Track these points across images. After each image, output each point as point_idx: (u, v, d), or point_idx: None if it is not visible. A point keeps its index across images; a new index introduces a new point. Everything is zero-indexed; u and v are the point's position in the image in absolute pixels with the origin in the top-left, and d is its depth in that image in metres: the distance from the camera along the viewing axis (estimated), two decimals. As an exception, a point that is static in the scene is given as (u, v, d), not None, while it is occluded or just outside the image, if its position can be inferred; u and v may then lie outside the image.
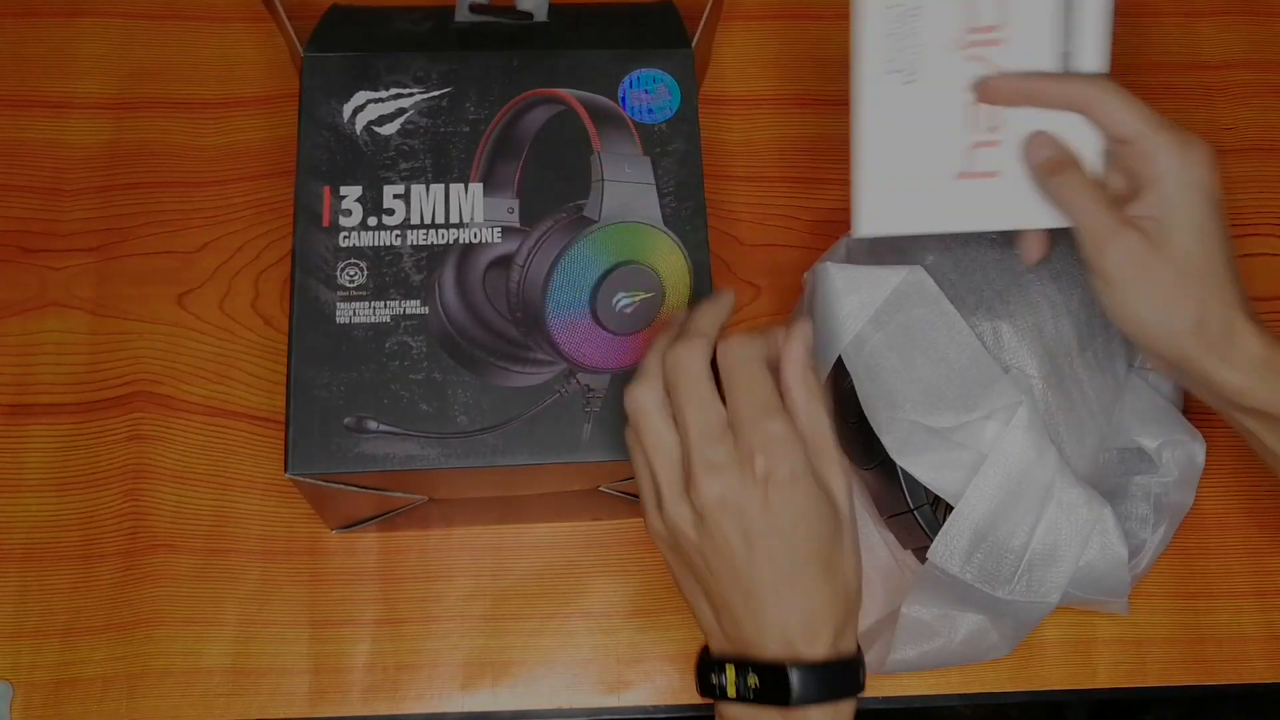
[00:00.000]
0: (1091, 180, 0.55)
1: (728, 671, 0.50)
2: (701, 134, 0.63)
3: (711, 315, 0.52)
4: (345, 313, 0.58)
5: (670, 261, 0.61)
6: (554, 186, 0.61)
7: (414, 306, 0.59)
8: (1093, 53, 0.55)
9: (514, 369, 0.58)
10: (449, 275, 0.59)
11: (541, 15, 0.67)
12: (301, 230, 0.60)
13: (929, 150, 0.55)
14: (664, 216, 0.61)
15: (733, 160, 0.78)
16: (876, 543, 0.70)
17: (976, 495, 0.57)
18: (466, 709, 0.68)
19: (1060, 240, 0.64)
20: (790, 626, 0.49)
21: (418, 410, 0.57)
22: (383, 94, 0.62)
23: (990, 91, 0.55)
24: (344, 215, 0.60)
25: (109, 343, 0.72)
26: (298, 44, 0.64)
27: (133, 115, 0.77)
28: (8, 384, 0.71)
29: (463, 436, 0.57)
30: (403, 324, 0.59)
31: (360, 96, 0.62)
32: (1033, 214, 0.55)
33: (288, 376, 0.57)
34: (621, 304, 0.60)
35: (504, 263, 0.60)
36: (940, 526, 0.58)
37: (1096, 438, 0.65)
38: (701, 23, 0.67)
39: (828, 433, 0.51)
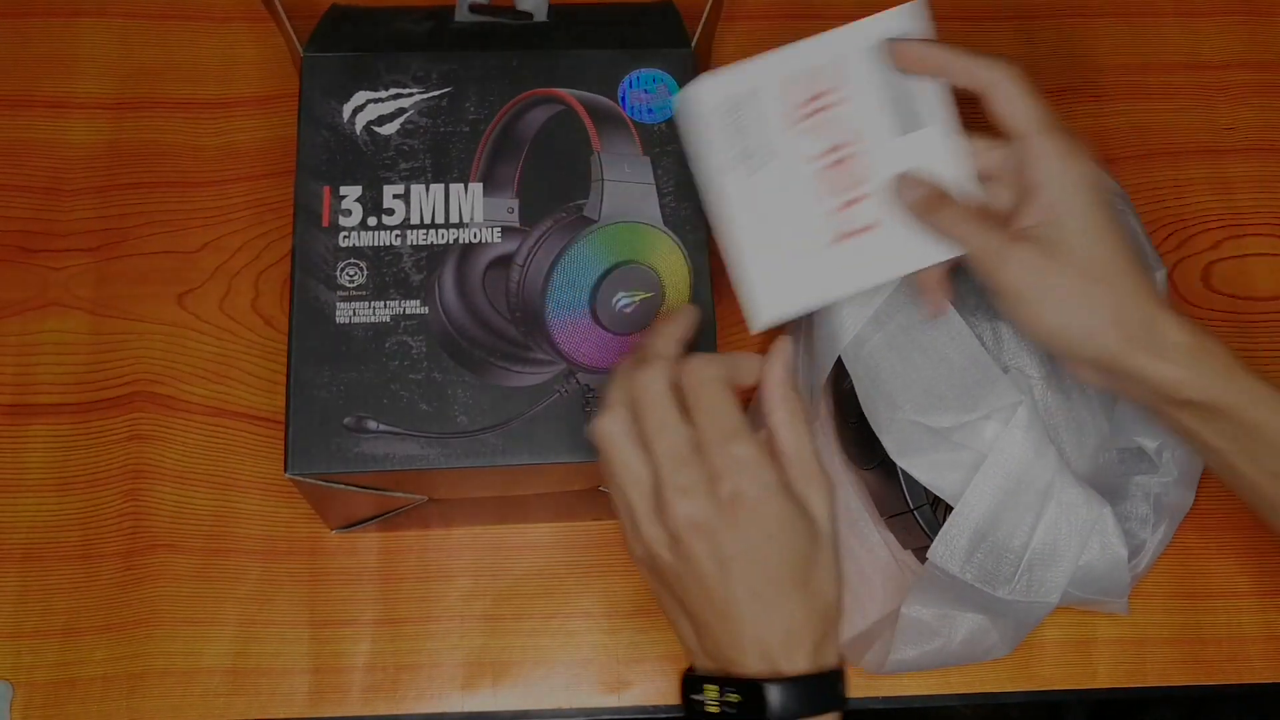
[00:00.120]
0: (970, 207, 0.53)
1: (707, 690, 0.50)
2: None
3: (668, 335, 0.52)
4: (345, 313, 0.58)
5: (670, 261, 0.61)
6: (554, 186, 0.61)
7: (414, 306, 0.59)
8: (929, 94, 0.54)
9: (514, 369, 0.58)
10: (449, 275, 0.59)
11: (541, 15, 0.67)
12: (301, 230, 0.60)
13: (799, 225, 0.54)
14: (664, 216, 0.61)
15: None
16: (876, 543, 0.70)
17: (976, 495, 0.57)
18: (466, 709, 0.68)
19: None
20: (768, 643, 0.49)
21: (418, 410, 0.57)
22: (382, 94, 0.62)
23: (902, 56, 0.54)
24: (344, 215, 0.60)
25: (109, 343, 0.72)
26: (297, 44, 0.64)
27: (133, 115, 0.77)
28: (8, 384, 0.71)
29: (463, 436, 0.57)
30: (403, 324, 0.59)
31: (360, 96, 0.62)
32: (924, 253, 0.54)
33: (287, 376, 0.57)
34: (621, 304, 0.60)
35: (504, 262, 0.60)
36: (940, 526, 0.58)
37: (1096, 438, 0.65)
38: (701, 23, 0.67)
39: (809, 451, 0.52)
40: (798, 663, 0.49)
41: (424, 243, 0.60)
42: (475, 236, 0.60)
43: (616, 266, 0.60)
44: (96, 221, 0.74)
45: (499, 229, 0.60)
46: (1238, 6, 0.84)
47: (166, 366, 0.72)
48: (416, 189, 0.61)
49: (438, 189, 0.61)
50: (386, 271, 0.59)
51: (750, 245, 0.55)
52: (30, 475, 0.70)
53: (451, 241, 0.60)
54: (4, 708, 0.66)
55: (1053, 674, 0.69)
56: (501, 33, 0.65)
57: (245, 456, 0.71)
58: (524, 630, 0.69)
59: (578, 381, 0.58)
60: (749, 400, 0.57)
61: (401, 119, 0.62)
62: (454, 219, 0.60)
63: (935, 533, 0.59)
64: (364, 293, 0.59)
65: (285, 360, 0.58)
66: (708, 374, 0.50)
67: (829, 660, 0.51)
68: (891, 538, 0.69)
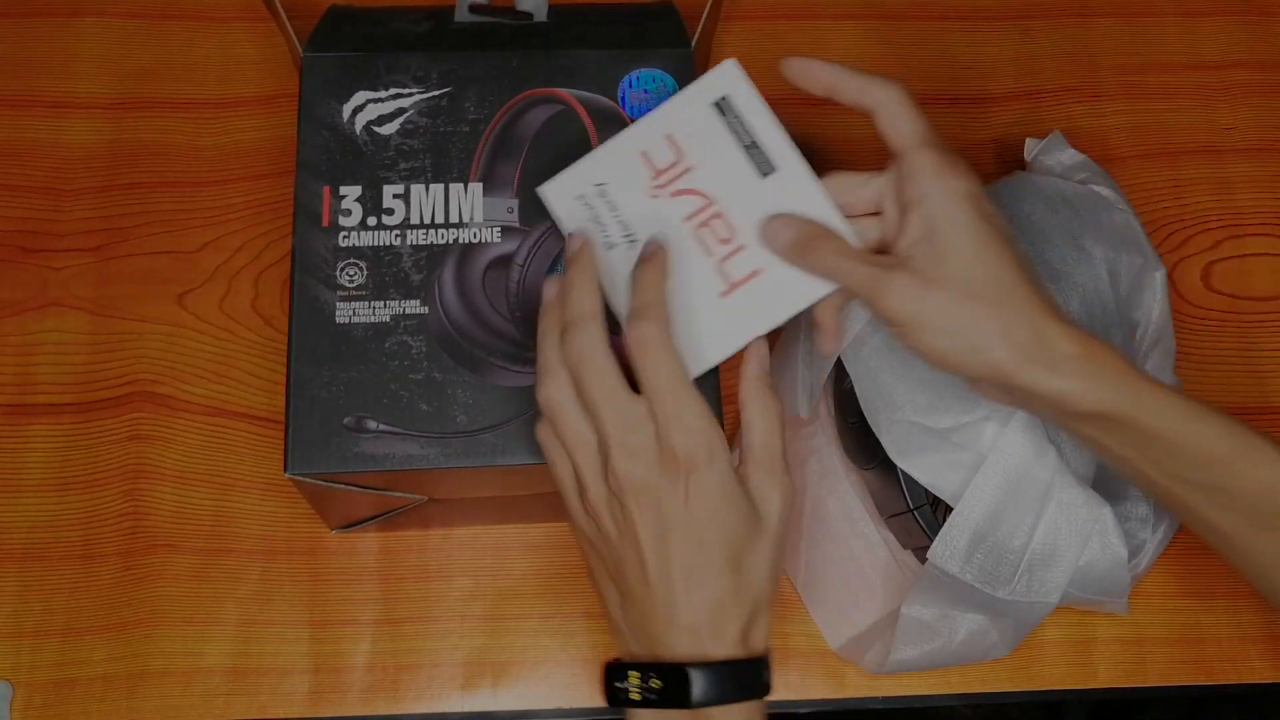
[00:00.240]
0: (842, 242, 0.53)
1: (631, 677, 0.50)
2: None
3: (585, 290, 0.51)
4: (345, 312, 0.58)
5: (670, 261, 0.60)
6: (554, 186, 0.61)
7: (414, 306, 0.59)
8: (774, 140, 0.55)
9: (514, 369, 0.58)
10: (449, 275, 0.59)
11: (541, 15, 0.67)
12: (301, 230, 0.60)
13: (686, 288, 0.55)
14: (664, 216, 0.61)
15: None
16: (876, 543, 0.70)
17: (976, 496, 0.57)
18: (466, 709, 0.68)
19: (1056, 239, 0.64)
20: (697, 620, 0.49)
21: (417, 410, 0.57)
22: (382, 94, 0.62)
23: (797, 73, 0.54)
24: (344, 215, 0.60)
25: (109, 343, 0.72)
26: (297, 44, 0.64)
27: (133, 115, 0.77)
28: (8, 384, 0.71)
29: (463, 436, 0.57)
30: (402, 324, 0.59)
31: (360, 96, 0.62)
32: (810, 289, 0.54)
33: (287, 376, 0.57)
34: (621, 304, 0.60)
35: (504, 262, 0.60)
36: (940, 526, 0.58)
37: (1096, 438, 0.65)
38: (701, 23, 0.67)
39: (778, 450, 0.52)
40: (724, 645, 0.50)
41: (424, 243, 0.60)
42: (475, 236, 0.60)
43: (616, 266, 0.60)
44: (96, 221, 0.74)
45: (499, 229, 0.60)
46: (1238, 6, 0.84)
47: (166, 366, 0.72)
48: (416, 189, 0.61)
49: (437, 189, 0.61)
50: (386, 271, 0.59)
51: None
52: (30, 475, 0.70)
53: (451, 241, 0.60)
54: (4, 708, 0.66)
55: (1053, 674, 0.69)
56: (501, 33, 0.65)
57: (245, 456, 0.71)
58: (524, 630, 0.69)
59: (578, 381, 0.58)
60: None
61: (401, 119, 0.62)
62: (454, 219, 0.60)
63: (935, 533, 0.59)
64: (364, 293, 0.59)
65: (285, 360, 0.58)
66: (651, 330, 0.50)
67: (756, 646, 0.51)
68: (891, 538, 0.69)
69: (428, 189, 0.61)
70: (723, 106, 0.55)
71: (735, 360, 0.54)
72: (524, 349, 0.59)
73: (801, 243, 0.53)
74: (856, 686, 0.69)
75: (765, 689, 0.51)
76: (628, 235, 0.55)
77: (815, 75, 0.54)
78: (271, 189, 0.75)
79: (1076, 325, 0.50)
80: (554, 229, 0.60)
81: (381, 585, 0.69)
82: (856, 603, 0.69)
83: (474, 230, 0.60)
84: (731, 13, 0.80)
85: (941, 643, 0.63)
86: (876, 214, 0.54)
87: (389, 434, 0.57)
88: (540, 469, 0.58)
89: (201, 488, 0.70)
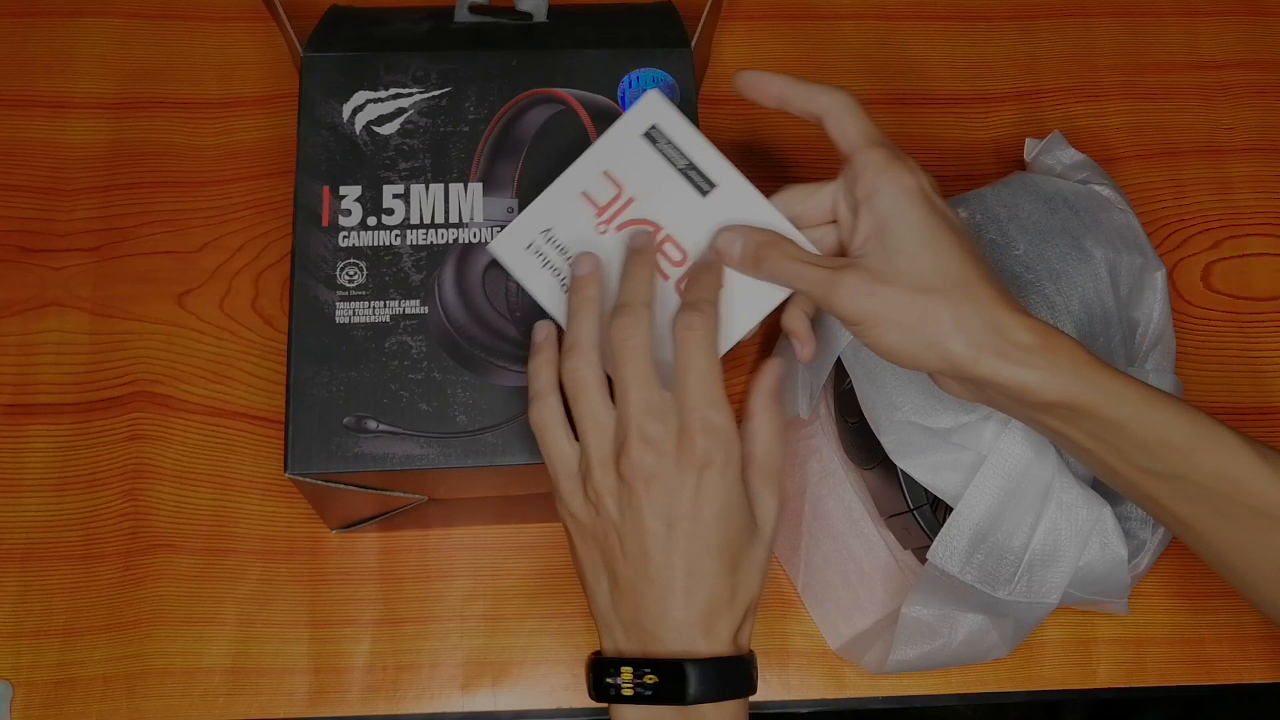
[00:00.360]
0: (793, 246, 0.53)
1: (624, 672, 0.50)
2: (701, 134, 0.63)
3: (641, 277, 0.52)
4: (345, 312, 0.58)
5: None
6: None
7: (413, 306, 0.59)
8: (709, 158, 0.56)
9: (514, 368, 0.58)
10: (448, 275, 0.59)
11: (541, 15, 0.67)
12: (301, 230, 0.60)
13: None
14: (664, 216, 0.61)
15: (732, 160, 0.77)
16: (876, 543, 0.70)
17: (976, 496, 0.57)
18: (466, 709, 0.68)
19: (1056, 239, 0.64)
20: (692, 617, 0.50)
21: (417, 410, 0.57)
22: (382, 94, 0.62)
23: (746, 85, 0.55)
24: (343, 215, 0.60)
25: (109, 343, 0.72)
26: (298, 44, 0.64)
27: (133, 115, 0.77)
28: (8, 384, 0.71)
29: (463, 436, 0.57)
30: (402, 324, 0.59)
31: (360, 96, 0.62)
32: (769, 296, 0.55)
33: (287, 376, 0.57)
34: (621, 304, 0.60)
35: (504, 263, 0.60)
36: (940, 526, 0.58)
37: (1096, 438, 0.65)
38: (701, 22, 0.67)
39: (778, 462, 0.52)
40: (717, 643, 0.50)
41: (424, 243, 0.60)
42: (475, 236, 0.60)
43: (616, 266, 0.60)
44: (97, 221, 0.74)
45: (499, 229, 0.60)
46: (1238, 6, 0.84)
47: (166, 366, 0.72)
48: (416, 189, 0.61)
49: (437, 189, 0.61)
50: (386, 271, 0.59)
51: None
52: (30, 475, 0.70)
53: (451, 241, 0.60)
54: (4, 708, 0.66)
55: (1053, 674, 0.69)
56: (501, 33, 0.65)
57: (245, 456, 0.71)
58: (524, 630, 0.69)
59: (577, 381, 0.58)
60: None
61: (401, 119, 0.62)
62: (454, 219, 0.60)
63: (935, 533, 0.59)
64: (364, 292, 0.59)
65: (285, 360, 0.58)
66: (703, 335, 0.51)
67: (743, 646, 0.51)
68: (891, 538, 0.69)
69: (427, 189, 0.61)
70: (653, 136, 0.56)
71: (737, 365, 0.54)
72: (524, 349, 0.59)
73: (753, 252, 0.54)
74: (856, 686, 0.69)
75: (754, 687, 0.51)
76: None
77: (764, 86, 0.55)
78: (271, 189, 0.75)
79: (1034, 316, 0.50)
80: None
81: (381, 585, 0.69)
82: (856, 603, 0.69)
83: (474, 230, 0.60)
84: (731, 13, 0.80)
85: (941, 643, 0.63)
86: (834, 221, 0.55)
87: (389, 434, 0.57)
88: (540, 469, 0.58)
89: (201, 488, 0.70)
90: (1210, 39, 0.83)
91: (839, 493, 0.71)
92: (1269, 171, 0.80)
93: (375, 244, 0.60)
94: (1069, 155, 0.71)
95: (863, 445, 0.65)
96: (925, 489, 0.60)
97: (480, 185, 0.61)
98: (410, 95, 0.62)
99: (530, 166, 0.61)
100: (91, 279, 0.73)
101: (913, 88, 0.80)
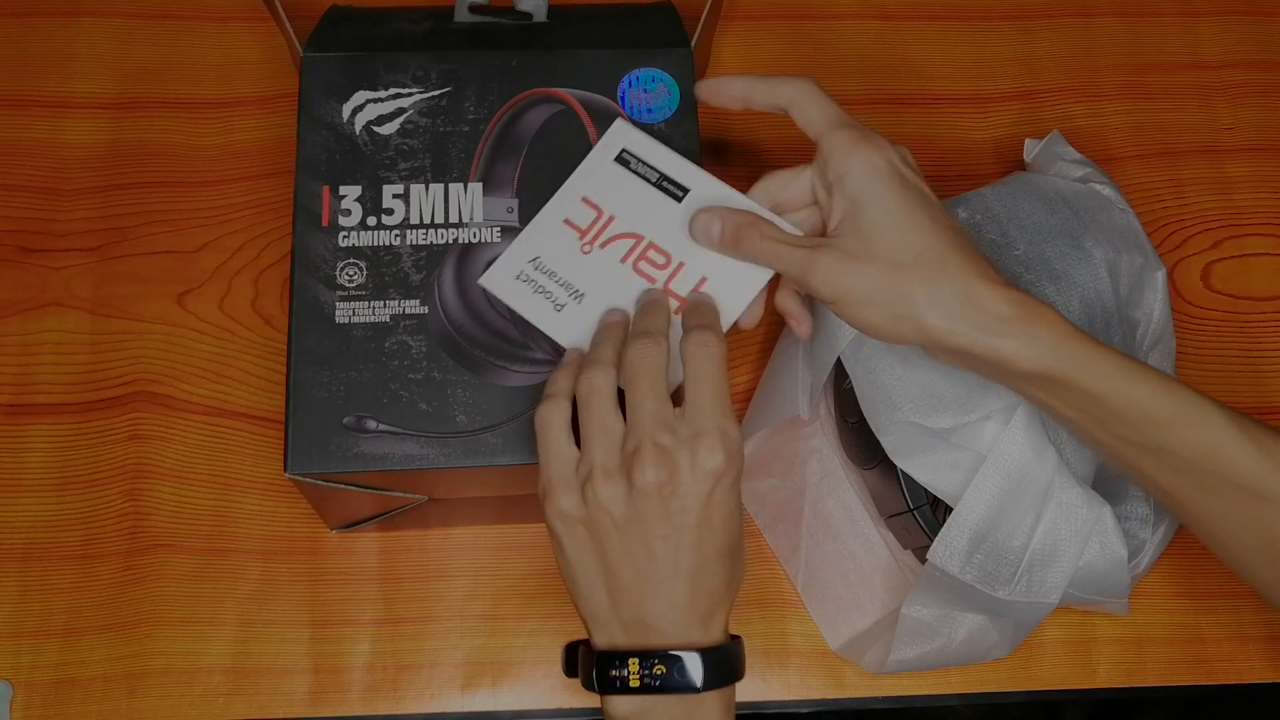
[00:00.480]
0: (771, 226, 0.54)
1: (630, 664, 0.50)
2: (701, 134, 0.63)
3: (660, 317, 0.54)
4: (345, 312, 0.58)
5: (670, 261, 0.61)
6: (553, 186, 0.61)
7: (413, 306, 0.59)
8: (679, 165, 0.58)
9: (513, 368, 0.58)
10: (448, 275, 0.59)
11: (541, 15, 0.67)
12: (301, 230, 0.60)
13: None
14: (663, 216, 0.61)
15: (732, 160, 0.78)
16: (876, 543, 0.70)
17: (976, 496, 0.57)
18: (466, 709, 0.68)
19: (1056, 239, 0.64)
20: (694, 611, 0.51)
21: (417, 410, 0.57)
22: (382, 94, 0.62)
23: (709, 93, 0.57)
24: (343, 215, 0.60)
25: (109, 343, 0.72)
26: (297, 44, 0.64)
27: (133, 115, 0.77)
28: (8, 384, 0.71)
29: (462, 436, 0.57)
30: (402, 324, 0.59)
31: (359, 96, 0.62)
32: (755, 278, 0.56)
33: (287, 376, 0.57)
34: (621, 304, 0.60)
35: (503, 263, 0.60)
36: (940, 526, 0.58)
37: (1096, 438, 0.65)
38: (701, 22, 0.67)
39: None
40: (712, 634, 0.51)
41: (423, 242, 0.60)
42: (475, 236, 0.60)
43: (616, 266, 0.60)
44: (97, 221, 0.74)
45: (499, 229, 0.60)
46: (1238, 6, 0.84)
47: (166, 366, 0.72)
48: (416, 189, 0.61)
49: (437, 189, 0.61)
50: (386, 271, 0.59)
51: None
52: (30, 475, 0.70)
53: (451, 241, 0.60)
54: (4, 708, 0.66)
55: (1053, 674, 0.69)
56: (501, 33, 0.65)
57: (245, 456, 0.71)
58: (524, 630, 0.69)
59: (577, 381, 0.58)
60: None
61: (401, 119, 0.62)
62: (453, 219, 0.60)
63: (935, 533, 0.59)
64: (364, 292, 0.59)
65: (285, 360, 0.58)
66: (716, 352, 0.51)
67: (727, 633, 0.53)
68: (891, 538, 0.69)
69: (427, 189, 0.61)
70: (624, 159, 0.59)
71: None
72: (523, 349, 0.59)
73: (732, 232, 0.55)
74: (856, 686, 0.69)
75: (742, 671, 0.52)
76: (574, 293, 0.57)
77: (726, 90, 0.56)
78: (271, 189, 0.75)
79: (1013, 286, 0.50)
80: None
81: (381, 585, 0.69)
82: (856, 603, 0.69)
83: (474, 230, 0.60)
84: (731, 13, 0.80)
85: (941, 643, 0.63)
86: (817, 204, 0.56)
87: (389, 434, 0.57)
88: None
89: (201, 488, 0.70)
90: (1210, 39, 0.83)
91: (839, 493, 0.71)
92: (1269, 171, 0.80)
93: (375, 244, 0.60)
94: (1069, 155, 0.71)
95: (863, 445, 0.65)
96: (925, 489, 0.60)
97: (480, 185, 0.61)
98: (410, 95, 0.62)
99: (530, 166, 0.61)
100: (91, 279, 0.73)
101: (912, 88, 0.80)
